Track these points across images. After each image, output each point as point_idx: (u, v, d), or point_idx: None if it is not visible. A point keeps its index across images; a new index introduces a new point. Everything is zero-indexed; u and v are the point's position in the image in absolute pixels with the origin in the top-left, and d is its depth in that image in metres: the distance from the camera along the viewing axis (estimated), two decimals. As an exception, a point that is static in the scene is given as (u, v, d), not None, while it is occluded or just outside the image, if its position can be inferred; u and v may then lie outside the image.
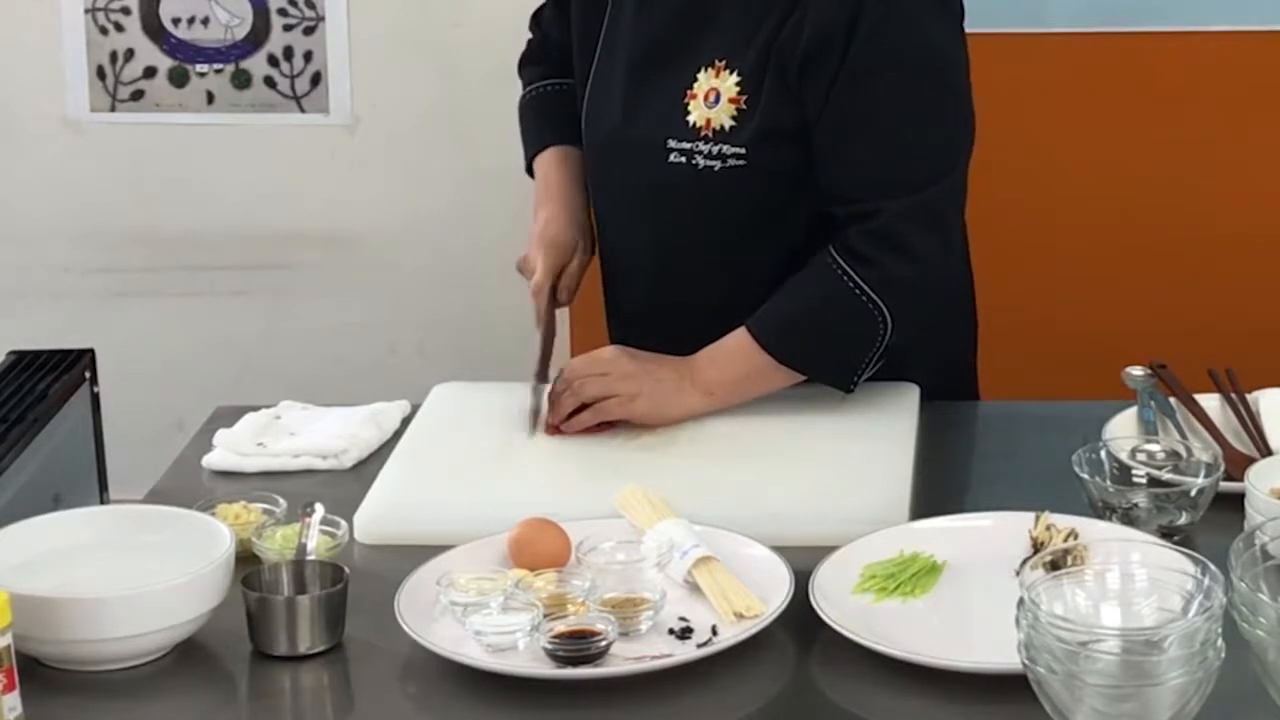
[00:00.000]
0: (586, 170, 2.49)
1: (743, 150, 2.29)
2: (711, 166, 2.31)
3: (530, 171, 2.56)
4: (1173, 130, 3.69)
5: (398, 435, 2.36)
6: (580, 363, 2.32)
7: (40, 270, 3.99)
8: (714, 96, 2.30)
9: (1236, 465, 2.11)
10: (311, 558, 1.95)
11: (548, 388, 2.33)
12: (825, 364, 2.31)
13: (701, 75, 2.32)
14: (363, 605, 1.90)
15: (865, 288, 2.25)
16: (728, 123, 2.30)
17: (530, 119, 2.59)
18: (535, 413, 2.30)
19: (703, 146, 2.31)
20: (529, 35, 2.64)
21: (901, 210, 2.25)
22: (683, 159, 2.32)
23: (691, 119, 2.32)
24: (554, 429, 2.30)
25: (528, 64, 2.63)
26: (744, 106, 2.29)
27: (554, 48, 2.58)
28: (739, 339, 2.31)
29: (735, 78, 2.29)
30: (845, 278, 2.26)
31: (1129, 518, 2.03)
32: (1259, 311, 3.70)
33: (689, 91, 2.33)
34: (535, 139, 2.56)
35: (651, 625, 1.86)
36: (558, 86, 2.57)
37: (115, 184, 3.96)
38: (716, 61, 2.31)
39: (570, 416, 2.29)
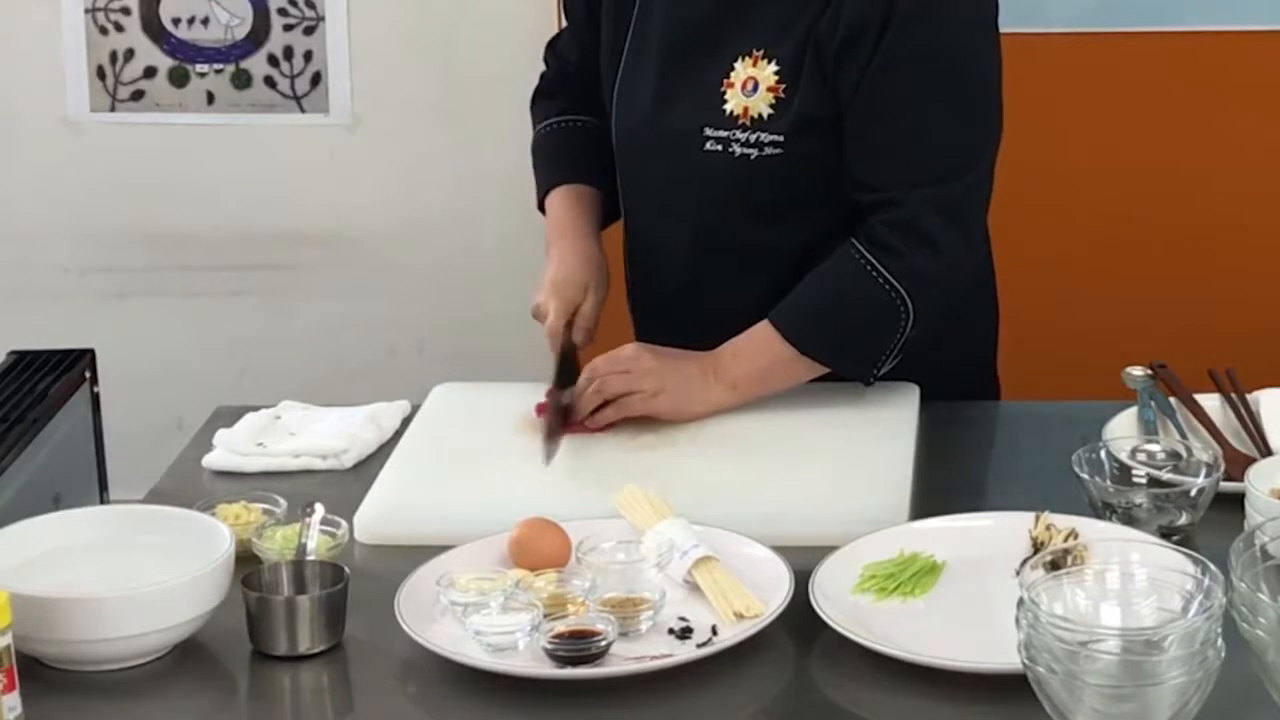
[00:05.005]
0: (617, 161, 2.49)
1: (781, 138, 2.30)
2: (748, 154, 2.32)
3: (542, 209, 2.55)
4: (1172, 130, 3.69)
5: (398, 435, 2.36)
6: (603, 360, 2.32)
7: (40, 270, 3.99)
8: (752, 85, 2.31)
9: (1236, 465, 2.11)
10: (311, 558, 1.95)
11: (564, 397, 2.31)
12: (847, 354, 2.32)
13: (739, 65, 2.32)
14: (363, 605, 1.90)
15: (888, 276, 2.26)
16: (766, 111, 2.31)
17: (541, 157, 2.58)
18: (549, 438, 2.27)
19: (740, 135, 2.32)
20: (543, 68, 2.63)
21: (924, 202, 2.27)
22: (719, 147, 2.33)
23: (728, 107, 2.33)
24: (578, 426, 2.30)
25: (540, 99, 2.63)
26: (782, 95, 2.30)
27: (570, 75, 2.58)
28: (761, 331, 2.31)
29: (773, 67, 2.30)
30: (868, 266, 2.27)
31: (1129, 518, 2.03)
32: (1259, 311, 3.70)
33: (726, 80, 2.33)
34: (545, 178, 2.56)
35: (651, 625, 1.86)
36: (569, 123, 2.57)
37: (115, 184, 3.96)
38: (754, 51, 2.32)
39: (594, 413, 2.29)
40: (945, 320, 2.34)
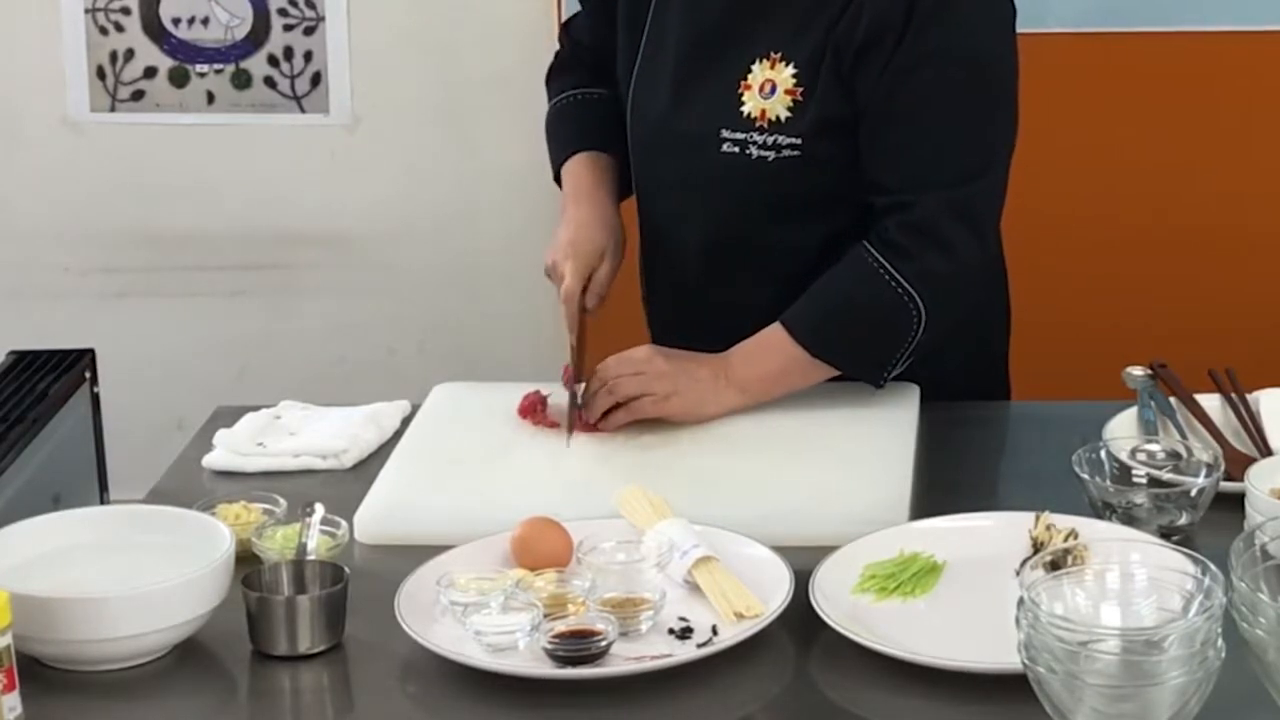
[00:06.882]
0: (632, 161, 2.49)
1: (798, 140, 2.30)
2: (765, 157, 2.32)
3: (558, 180, 2.55)
4: (1173, 130, 3.69)
5: (398, 435, 2.36)
6: (614, 362, 2.31)
7: (40, 270, 3.99)
8: (769, 88, 2.30)
9: (1236, 465, 2.11)
10: (311, 558, 1.95)
11: (582, 388, 2.32)
12: (859, 357, 2.32)
13: (756, 67, 2.32)
14: (363, 605, 1.90)
15: (900, 279, 2.26)
16: (783, 113, 2.30)
17: (558, 127, 2.57)
18: (572, 416, 2.28)
19: (757, 137, 2.32)
20: (557, 46, 2.63)
21: (938, 205, 2.27)
22: (736, 149, 2.33)
23: (746, 109, 2.32)
24: (589, 427, 2.30)
25: (555, 75, 2.62)
26: (800, 98, 2.30)
27: (585, 55, 2.58)
28: (773, 333, 2.31)
29: (791, 69, 2.30)
30: (880, 269, 2.27)
31: (1129, 518, 2.03)
32: (1259, 311, 3.70)
33: (743, 82, 2.33)
34: (563, 145, 2.54)
35: (651, 625, 1.86)
36: (586, 95, 2.56)
37: (115, 184, 3.96)
38: (772, 54, 2.32)
39: (605, 415, 2.29)
40: (957, 322, 2.34)
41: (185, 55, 3.90)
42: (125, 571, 1.90)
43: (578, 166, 2.51)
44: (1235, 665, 1.62)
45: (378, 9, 3.87)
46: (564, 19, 2.63)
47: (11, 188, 3.97)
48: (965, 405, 2.45)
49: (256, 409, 2.43)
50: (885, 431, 2.28)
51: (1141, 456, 2.13)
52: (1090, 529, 1.96)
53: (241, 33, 3.89)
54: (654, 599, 1.87)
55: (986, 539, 2.00)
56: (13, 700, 1.71)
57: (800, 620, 1.86)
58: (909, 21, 2.24)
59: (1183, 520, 2.03)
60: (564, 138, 2.55)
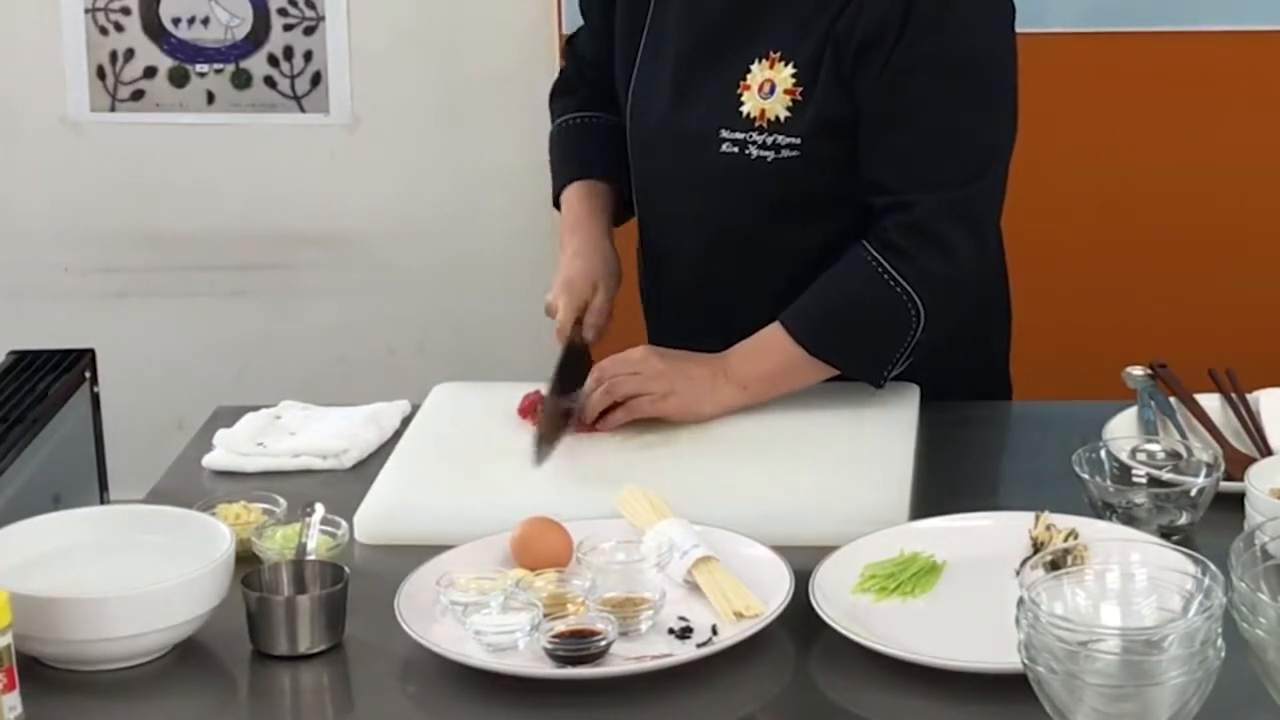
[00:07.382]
0: (631, 161, 2.49)
1: (798, 140, 2.30)
2: (765, 157, 2.32)
3: (557, 205, 2.55)
4: (1173, 130, 3.69)
5: (398, 435, 2.36)
6: (611, 362, 2.31)
7: (40, 270, 4.00)
8: (769, 88, 2.30)
9: (1236, 465, 2.11)
10: (311, 558, 1.95)
11: (574, 405, 2.31)
12: (857, 357, 2.32)
13: (755, 67, 2.32)
14: (363, 605, 1.90)
15: (898, 279, 2.26)
16: (783, 114, 2.30)
17: (558, 153, 2.58)
18: (540, 441, 2.26)
19: (756, 137, 2.32)
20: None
21: (937, 205, 2.27)
22: (735, 149, 2.33)
23: (745, 109, 2.32)
24: (588, 428, 2.29)
25: (558, 96, 2.63)
26: (799, 98, 2.30)
27: (587, 71, 2.58)
28: (772, 333, 2.31)
29: (790, 69, 2.30)
30: (879, 269, 2.27)
31: (1129, 518, 2.03)
32: (1259, 311, 3.70)
33: (742, 82, 2.33)
34: (562, 173, 2.55)
35: (651, 625, 1.86)
36: (586, 119, 2.56)
37: (115, 184, 3.96)
38: (771, 53, 2.32)
39: (603, 415, 2.29)
40: (956, 323, 2.34)
41: (185, 55, 3.90)
42: (125, 571, 1.90)
43: (572, 198, 2.52)
44: (1235, 665, 1.62)
45: (378, 9, 3.88)
46: (564, 21, 2.62)
47: (11, 188, 3.97)
48: (965, 405, 2.45)
49: (256, 409, 2.43)
50: (885, 431, 2.28)
51: (1141, 456, 2.13)
52: (1090, 529, 1.96)
53: (241, 32, 3.89)
54: (654, 599, 1.87)
55: (986, 539, 2.00)
56: (13, 700, 1.71)
57: (800, 620, 1.86)
58: (908, 21, 2.24)
59: (1183, 520, 2.03)
60: (562, 165, 2.56)
